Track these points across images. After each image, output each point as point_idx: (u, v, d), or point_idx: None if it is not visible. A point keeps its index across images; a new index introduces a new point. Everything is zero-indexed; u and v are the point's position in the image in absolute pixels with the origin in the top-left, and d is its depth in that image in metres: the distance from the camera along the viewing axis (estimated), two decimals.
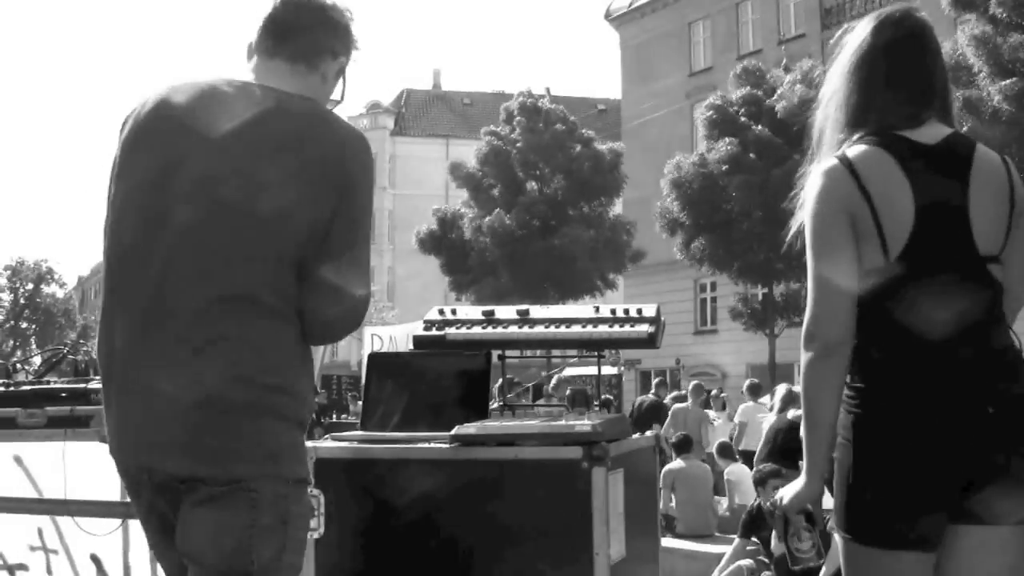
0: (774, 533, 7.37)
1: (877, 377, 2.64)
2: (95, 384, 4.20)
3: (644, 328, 3.67)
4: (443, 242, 36.23)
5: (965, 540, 2.63)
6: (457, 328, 3.81)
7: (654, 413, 15.43)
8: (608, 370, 30.36)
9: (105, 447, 3.35)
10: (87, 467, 4.43)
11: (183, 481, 2.52)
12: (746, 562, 8.53)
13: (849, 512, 2.66)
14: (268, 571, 2.55)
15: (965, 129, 17.19)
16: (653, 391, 16.05)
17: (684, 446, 11.47)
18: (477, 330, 3.81)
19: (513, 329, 3.79)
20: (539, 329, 3.76)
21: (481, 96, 61.84)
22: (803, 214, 2.74)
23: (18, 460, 4.73)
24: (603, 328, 3.71)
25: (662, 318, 3.81)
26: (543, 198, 34.90)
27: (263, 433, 2.54)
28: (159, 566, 4.38)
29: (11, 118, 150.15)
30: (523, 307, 3.88)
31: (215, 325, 2.51)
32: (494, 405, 4.07)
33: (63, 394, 4.15)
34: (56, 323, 68.70)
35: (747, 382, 16.82)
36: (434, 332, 3.85)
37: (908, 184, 2.65)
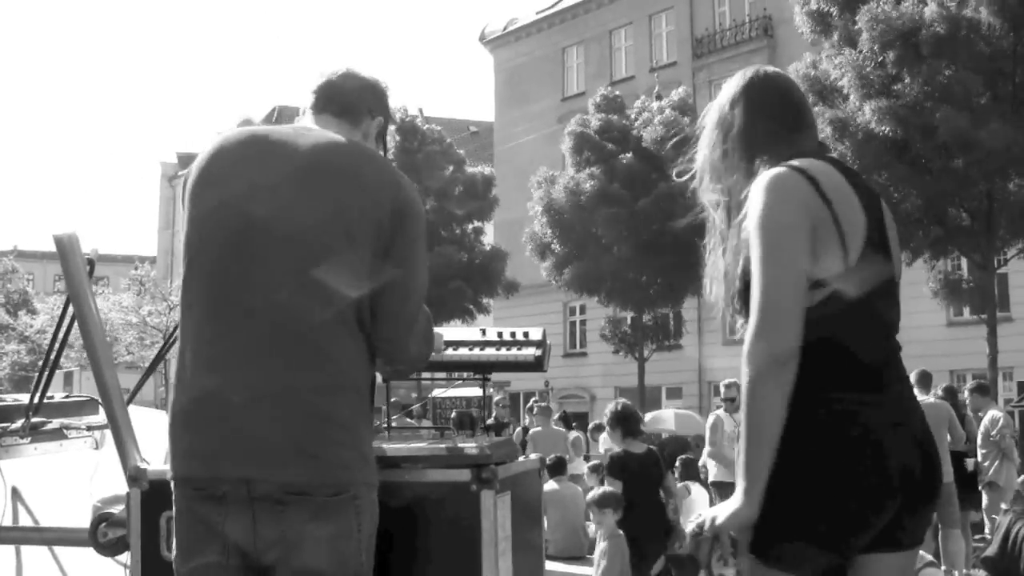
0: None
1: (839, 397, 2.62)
2: None
3: (531, 352, 3.68)
4: None
5: (878, 566, 2.68)
6: None
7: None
8: (476, 391, 30.26)
9: None
10: None
11: (290, 493, 2.66)
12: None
13: (769, 532, 2.62)
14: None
15: (838, 151, 17.63)
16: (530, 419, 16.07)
17: (558, 468, 11.53)
18: None
19: None
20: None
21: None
22: (747, 224, 2.70)
23: None
24: (490, 351, 3.71)
25: (548, 341, 3.83)
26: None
27: (361, 441, 2.79)
28: None
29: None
30: None
31: (314, 342, 2.72)
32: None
33: None
34: None
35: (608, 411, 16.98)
36: None
37: (856, 196, 2.71)
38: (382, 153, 3.15)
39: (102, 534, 3.48)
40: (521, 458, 3.63)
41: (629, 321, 32.20)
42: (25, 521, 4.54)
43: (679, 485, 12.11)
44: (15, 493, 4.50)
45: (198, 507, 2.74)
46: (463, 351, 3.72)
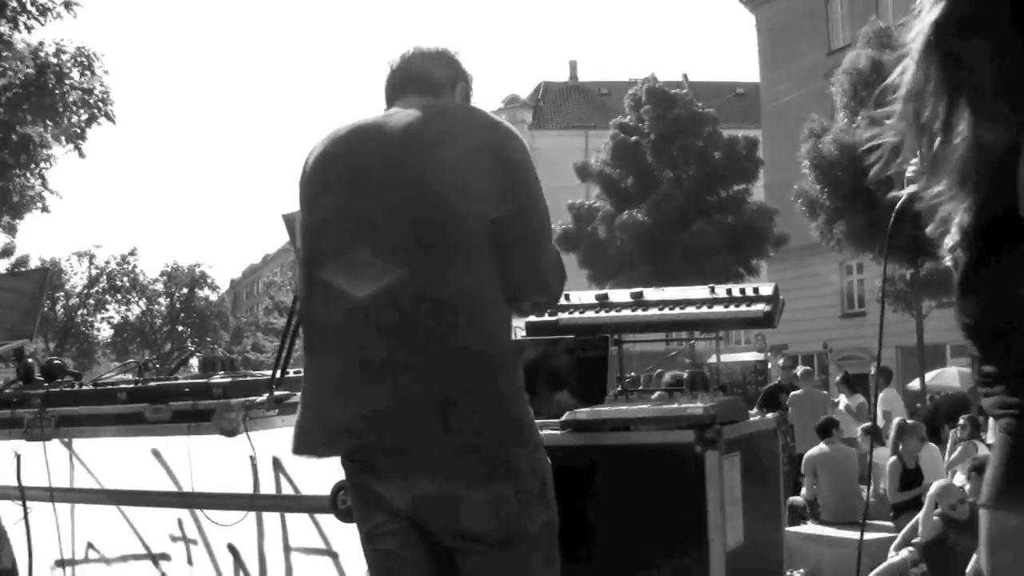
0: None
1: None
2: (217, 379, 4.26)
3: (760, 307, 3.56)
4: (578, 238, 36.03)
5: None
6: (570, 313, 3.76)
7: (771, 398, 14.81)
8: (754, 356, 29.89)
9: (224, 440, 3.41)
10: (210, 460, 4.53)
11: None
12: (903, 553, 8.32)
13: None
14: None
15: None
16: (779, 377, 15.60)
17: (826, 430, 11.18)
18: (590, 314, 3.75)
19: (627, 312, 3.72)
20: (653, 311, 3.67)
21: (618, 86, 61.33)
22: None
23: (156, 454, 4.86)
24: (718, 308, 3.61)
25: (780, 296, 3.69)
26: (678, 188, 34.45)
27: (511, 406, 2.78)
28: (292, 555, 4.42)
29: (163, 125, 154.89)
30: (637, 290, 3.80)
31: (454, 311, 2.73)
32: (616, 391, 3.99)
33: (186, 389, 4.21)
34: (211, 325, 70.59)
35: (873, 368, 16.31)
36: (547, 317, 3.80)
37: None
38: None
39: (341, 501, 3.58)
40: (755, 417, 3.52)
41: (908, 278, 30.94)
42: (286, 489, 4.73)
43: (964, 443, 11.56)
44: (276, 463, 4.69)
45: (360, 478, 2.83)
46: (690, 309, 3.64)
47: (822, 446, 10.89)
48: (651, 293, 3.77)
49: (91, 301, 67.28)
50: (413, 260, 2.71)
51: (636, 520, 3.07)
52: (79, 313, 66.55)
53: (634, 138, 35.17)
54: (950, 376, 26.17)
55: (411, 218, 2.73)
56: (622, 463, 3.07)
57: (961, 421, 12.12)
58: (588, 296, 3.85)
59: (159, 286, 71.18)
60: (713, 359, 27.95)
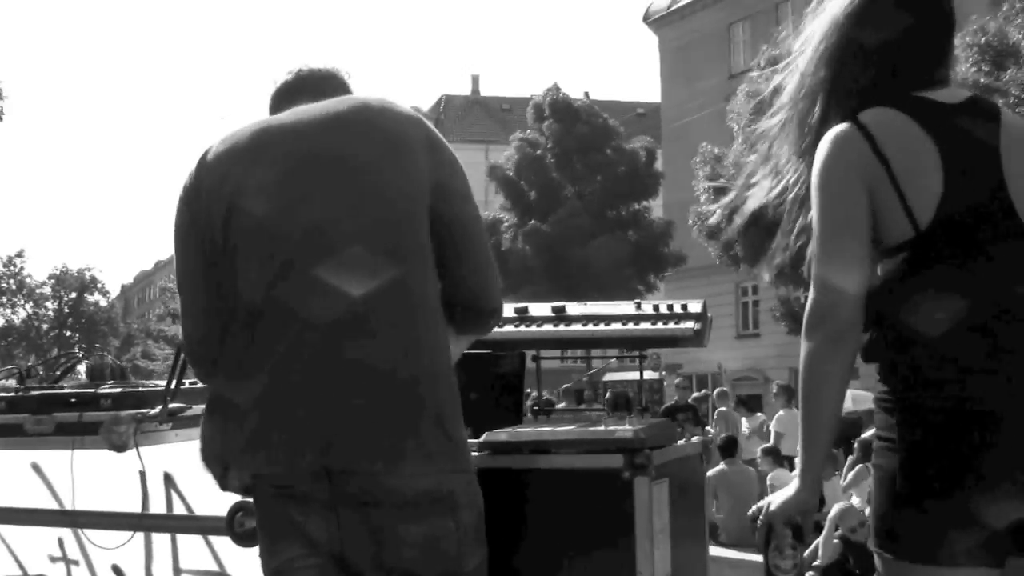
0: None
1: (922, 371, 2.25)
2: (106, 389, 3.99)
3: (690, 325, 3.39)
4: None
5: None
6: None
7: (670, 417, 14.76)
8: (649, 375, 29.98)
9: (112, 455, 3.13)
10: (96, 475, 4.26)
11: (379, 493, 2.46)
12: None
13: (899, 525, 2.27)
14: None
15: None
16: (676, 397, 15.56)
17: (729, 449, 11.13)
18: (509, 328, 3.54)
19: (548, 327, 3.53)
20: (576, 327, 3.49)
21: (520, 101, 61.58)
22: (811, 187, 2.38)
23: (36, 468, 4.57)
24: (645, 325, 3.43)
25: (708, 314, 3.53)
26: (581, 203, 34.55)
27: (455, 427, 2.58)
28: None
29: (53, 123, 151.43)
30: (559, 304, 3.61)
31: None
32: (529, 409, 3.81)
33: (72, 400, 3.93)
34: (100, 331, 69.03)
35: (775, 387, 16.40)
36: None
37: (934, 147, 2.30)
38: None
39: (239, 523, 3.34)
40: (681, 441, 3.36)
41: (803, 300, 31.33)
42: (179, 508, 4.47)
43: (859, 467, 11.58)
44: (168, 479, 4.42)
45: (274, 503, 2.52)
46: (616, 326, 3.46)
47: (723, 466, 10.84)
48: (573, 308, 3.58)
49: None
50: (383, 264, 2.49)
51: (559, 550, 2.87)
52: None
53: (538, 152, 35.21)
54: (844, 399, 26.47)
55: (374, 219, 2.51)
56: (545, 488, 2.87)
57: (856, 445, 12.16)
58: (507, 309, 3.64)
59: (47, 289, 69.41)
60: (610, 376, 27.93)
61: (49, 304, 69.82)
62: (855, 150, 2.32)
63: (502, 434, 3.05)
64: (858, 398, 25.18)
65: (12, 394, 4.21)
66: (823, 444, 2.37)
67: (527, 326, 3.56)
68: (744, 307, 41.43)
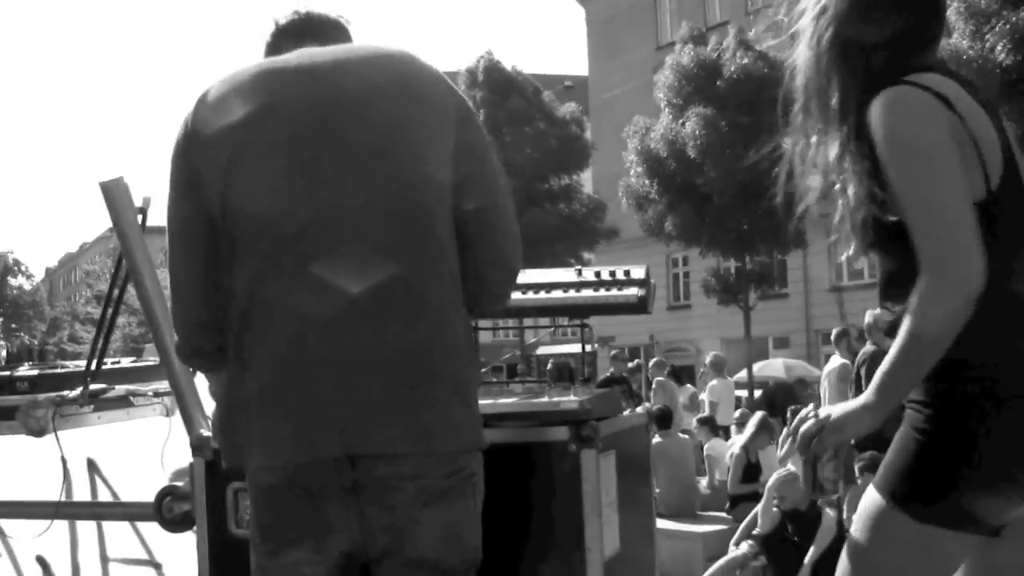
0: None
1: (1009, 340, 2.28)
2: (22, 371, 3.80)
3: (633, 291, 3.28)
4: None
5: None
6: None
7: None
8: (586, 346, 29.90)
9: (30, 440, 2.96)
10: (17, 461, 4.09)
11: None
12: (743, 547, 8.29)
13: (922, 485, 2.32)
14: None
15: None
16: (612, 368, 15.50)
17: (664, 421, 11.08)
18: None
19: None
20: (515, 295, 3.35)
21: (450, 75, 61.05)
22: (883, 150, 2.29)
23: None
24: (587, 292, 3.32)
25: (652, 280, 3.43)
26: (512, 173, 34.37)
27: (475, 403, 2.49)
28: (110, 566, 3.95)
29: None
30: None
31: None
32: None
33: None
34: (24, 315, 67.85)
35: (709, 357, 16.48)
36: None
37: (984, 114, 2.32)
38: None
39: (167, 509, 3.19)
40: (626, 412, 3.25)
41: (733, 271, 31.50)
42: (104, 494, 4.30)
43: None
44: (91, 465, 4.25)
45: (288, 498, 2.32)
46: (557, 293, 3.33)
47: (658, 438, 10.79)
48: None
49: None
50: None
51: (503, 526, 2.74)
52: None
53: None
54: (775, 367, 26.72)
55: (391, 206, 2.34)
56: (488, 463, 2.74)
57: (788, 413, 12.20)
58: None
59: None
60: (545, 350, 27.82)
61: None
62: (935, 110, 2.27)
63: None
64: (791, 367, 25.42)
65: None
66: (910, 390, 2.33)
67: None
68: (675, 278, 41.63)
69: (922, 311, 2.19)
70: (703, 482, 11.78)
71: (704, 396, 15.76)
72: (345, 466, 2.25)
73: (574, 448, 2.71)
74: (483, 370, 3.50)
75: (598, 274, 3.40)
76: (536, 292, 3.35)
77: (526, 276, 3.50)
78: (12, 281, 69.13)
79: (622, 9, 43.19)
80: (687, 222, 28.77)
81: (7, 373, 3.80)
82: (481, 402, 2.87)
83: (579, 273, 3.43)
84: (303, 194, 2.30)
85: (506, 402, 2.89)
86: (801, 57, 2.50)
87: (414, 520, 2.28)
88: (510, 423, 2.80)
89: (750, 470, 10.51)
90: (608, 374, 15.08)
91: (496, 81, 35.24)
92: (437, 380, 2.31)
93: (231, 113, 2.36)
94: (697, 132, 27.10)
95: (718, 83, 27.37)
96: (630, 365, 16.10)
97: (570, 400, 2.79)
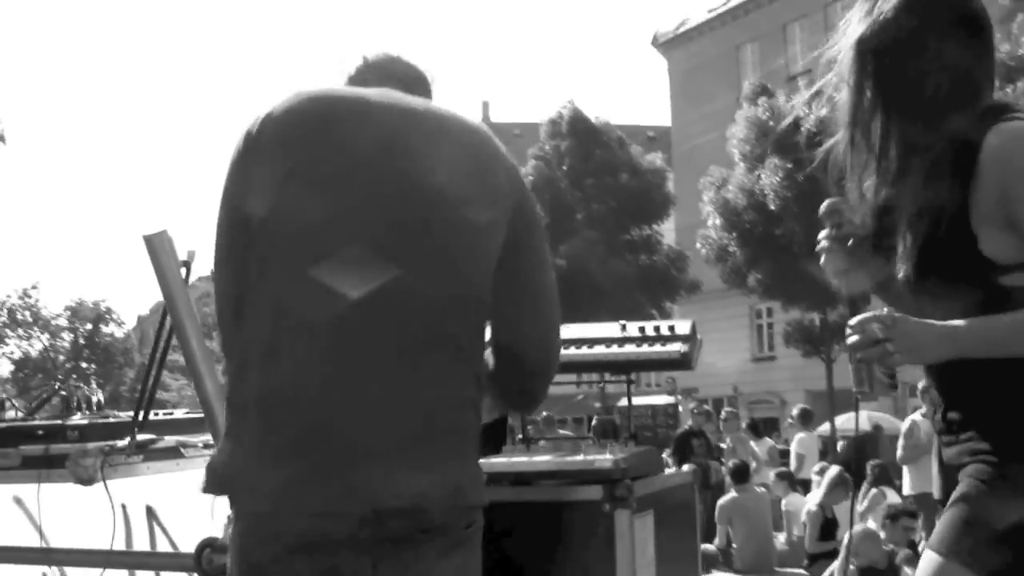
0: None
1: None
2: (73, 421, 3.85)
3: (676, 347, 3.22)
4: None
5: None
6: None
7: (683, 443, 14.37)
8: (665, 399, 29.69)
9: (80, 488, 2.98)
10: (75, 509, 4.12)
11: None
12: None
13: None
14: None
15: None
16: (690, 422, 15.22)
17: (741, 475, 10.91)
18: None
19: None
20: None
21: (530, 127, 61.52)
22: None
23: (19, 502, 4.43)
24: (630, 348, 3.26)
25: (698, 336, 3.36)
26: (592, 226, 34.25)
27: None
28: None
29: (63, 157, 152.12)
30: None
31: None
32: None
33: (40, 432, 3.79)
34: (116, 362, 69.04)
35: (796, 409, 16.18)
36: None
37: None
38: None
39: (207, 560, 3.19)
40: (670, 470, 3.19)
41: (817, 322, 31.08)
42: (163, 544, 4.32)
43: (873, 491, 11.35)
44: (150, 513, 4.28)
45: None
46: (600, 349, 3.28)
47: (734, 492, 10.63)
48: None
49: None
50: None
51: None
52: None
53: (553, 171, 34.97)
54: (861, 420, 26.23)
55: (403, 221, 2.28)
56: (520, 521, 2.71)
57: (868, 469, 11.93)
58: (489, 333, 3.47)
59: (62, 321, 69.47)
60: (624, 402, 27.59)
61: (65, 335, 69.88)
62: None
63: None
64: (875, 420, 24.93)
65: None
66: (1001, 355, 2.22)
67: None
68: (759, 330, 41.19)
69: None
70: (780, 538, 11.57)
71: (792, 448, 15.47)
72: (369, 521, 2.15)
73: (608, 508, 2.66)
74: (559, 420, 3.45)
75: (642, 329, 3.35)
76: (579, 347, 3.31)
77: (571, 331, 3.46)
78: (104, 329, 70.44)
79: (704, 59, 43.14)
80: (768, 274, 28.51)
81: (59, 422, 3.86)
82: (516, 459, 2.85)
83: (623, 328, 3.37)
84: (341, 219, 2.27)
85: (541, 460, 2.85)
86: (843, 93, 2.47)
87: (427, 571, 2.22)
88: (544, 481, 2.76)
89: (827, 526, 10.29)
90: (687, 427, 14.89)
91: (580, 131, 35.27)
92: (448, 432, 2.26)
93: (297, 128, 2.33)
94: (775, 184, 26.90)
95: (796, 136, 27.12)
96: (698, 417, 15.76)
97: (604, 459, 2.74)
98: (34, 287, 66.15)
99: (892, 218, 2.40)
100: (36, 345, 67.91)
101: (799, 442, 15.28)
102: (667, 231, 37.35)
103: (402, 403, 2.21)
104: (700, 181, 30.16)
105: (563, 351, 3.29)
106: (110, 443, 3.62)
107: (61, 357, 68.79)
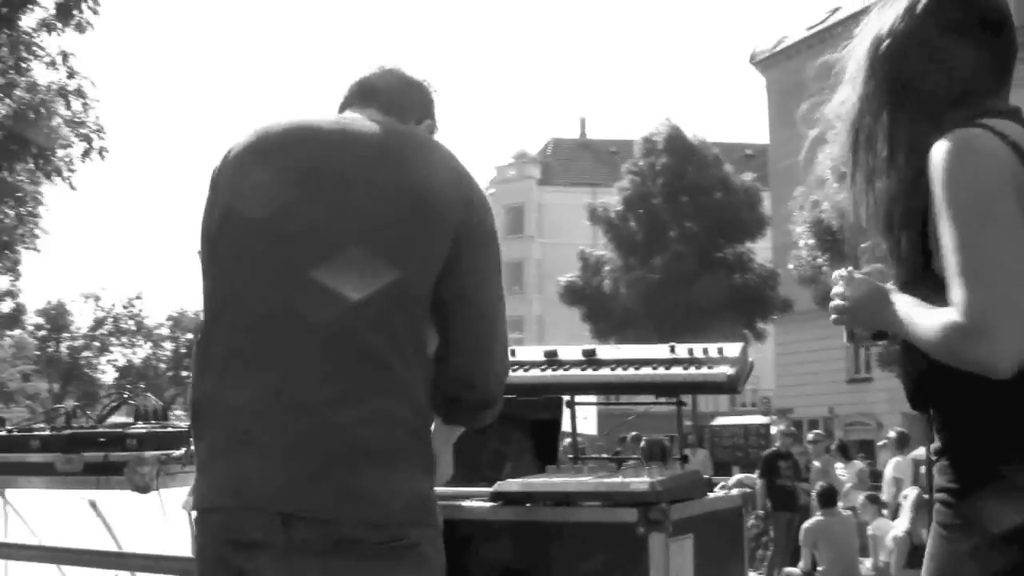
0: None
1: None
2: (134, 429, 3.93)
3: (723, 370, 3.18)
4: (585, 291, 35.76)
5: None
6: (515, 370, 3.35)
7: (771, 464, 14.12)
8: (759, 419, 29.31)
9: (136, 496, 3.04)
10: (149, 515, 4.19)
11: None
12: None
13: None
14: None
15: None
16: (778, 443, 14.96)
17: (828, 499, 10.73)
18: (536, 372, 3.38)
19: (576, 371, 3.35)
20: (605, 371, 3.30)
21: (626, 144, 61.35)
22: (937, 194, 2.11)
23: (94, 506, 4.53)
24: (677, 370, 3.23)
25: (749, 358, 3.32)
26: (685, 245, 34.00)
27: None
28: None
29: (168, 168, 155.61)
30: (589, 347, 3.44)
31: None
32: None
33: (102, 439, 3.87)
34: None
35: (893, 433, 15.82)
36: None
37: None
38: None
39: None
40: (718, 492, 3.15)
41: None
42: None
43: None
44: None
45: (224, 550, 2.28)
46: (646, 370, 3.26)
47: (820, 516, 10.46)
48: (605, 351, 3.40)
49: (96, 343, 67.18)
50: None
51: None
52: (83, 355, 66.46)
53: (647, 187, 34.80)
54: None
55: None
56: (555, 542, 2.70)
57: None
58: (536, 352, 3.47)
59: (164, 330, 70.96)
60: (717, 421, 27.26)
61: (167, 345, 71.33)
62: (1004, 159, 2.08)
63: (514, 484, 2.89)
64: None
65: (46, 433, 4.16)
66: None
67: (555, 370, 3.39)
68: (855, 351, 40.53)
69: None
70: (867, 563, 11.37)
71: (887, 472, 15.15)
72: (278, 524, 2.21)
73: (642, 531, 2.63)
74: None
75: (691, 351, 3.32)
76: (627, 368, 3.29)
77: (620, 352, 3.45)
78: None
79: (802, 78, 42.67)
80: None
81: (120, 431, 3.95)
82: (554, 479, 2.83)
83: (672, 350, 3.35)
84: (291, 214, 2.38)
85: (578, 480, 2.84)
86: (848, 97, 2.42)
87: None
88: (579, 502, 2.74)
89: (915, 553, 10.07)
90: (774, 448, 14.70)
91: (676, 149, 35.07)
92: (368, 446, 2.27)
93: (250, 156, 2.48)
94: None
95: None
96: (811, 435, 15.49)
97: (641, 481, 2.72)
98: (138, 297, 67.95)
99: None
100: (139, 353, 69.54)
101: (895, 466, 14.95)
102: (763, 249, 36.95)
103: (322, 416, 2.26)
104: (791, 202, 29.78)
105: (610, 371, 3.29)
106: (166, 452, 3.68)
107: (162, 365, 70.26)
